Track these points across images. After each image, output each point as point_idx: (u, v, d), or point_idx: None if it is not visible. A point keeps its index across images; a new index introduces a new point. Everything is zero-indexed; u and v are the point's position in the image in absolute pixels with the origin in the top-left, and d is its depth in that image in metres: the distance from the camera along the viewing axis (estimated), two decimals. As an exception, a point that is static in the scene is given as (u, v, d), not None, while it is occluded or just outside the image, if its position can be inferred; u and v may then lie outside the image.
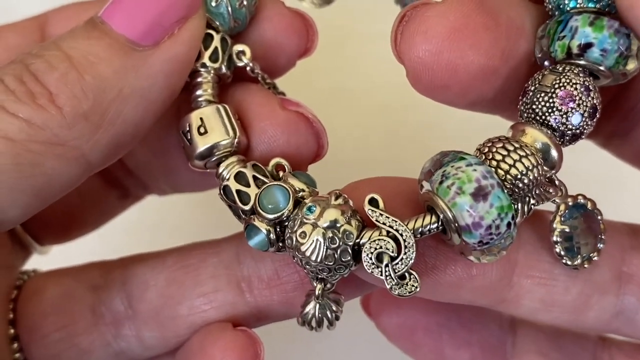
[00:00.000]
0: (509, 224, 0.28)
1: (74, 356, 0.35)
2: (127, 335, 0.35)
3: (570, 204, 0.31)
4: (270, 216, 0.30)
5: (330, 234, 0.29)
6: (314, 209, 0.29)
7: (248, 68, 0.33)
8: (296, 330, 0.33)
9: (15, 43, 0.35)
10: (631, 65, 0.30)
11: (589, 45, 0.29)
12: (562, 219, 0.31)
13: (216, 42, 0.33)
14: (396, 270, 0.28)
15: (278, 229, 0.30)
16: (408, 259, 0.28)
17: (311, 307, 0.31)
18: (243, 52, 0.33)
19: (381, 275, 0.29)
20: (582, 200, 0.31)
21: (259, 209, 0.30)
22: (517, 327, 0.39)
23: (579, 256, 0.31)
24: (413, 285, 0.29)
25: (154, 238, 0.45)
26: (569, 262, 0.31)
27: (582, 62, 0.30)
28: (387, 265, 0.28)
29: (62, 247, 0.41)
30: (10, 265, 0.37)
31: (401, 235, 0.28)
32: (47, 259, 0.40)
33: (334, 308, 0.31)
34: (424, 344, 0.39)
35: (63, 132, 0.28)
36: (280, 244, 0.30)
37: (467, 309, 0.39)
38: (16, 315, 0.35)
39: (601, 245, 0.32)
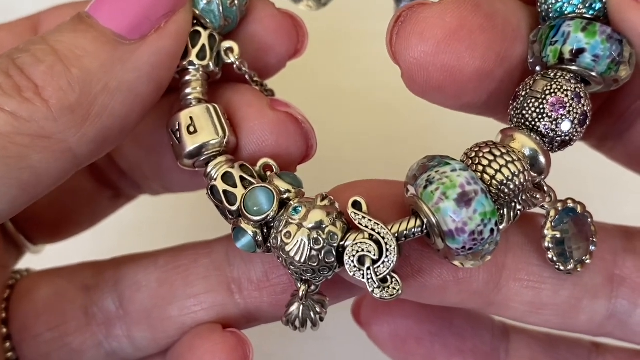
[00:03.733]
0: (492, 230, 0.28)
1: (66, 356, 0.35)
2: (118, 336, 0.35)
3: (560, 208, 0.31)
4: (255, 218, 0.30)
5: (314, 235, 0.29)
6: (300, 209, 0.29)
7: (235, 66, 0.33)
8: (286, 331, 0.33)
9: (9, 43, 0.36)
10: (623, 72, 0.29)
11: (581, 51, 0.29)
12: (553, 224, 0.31)
13: (204, 39, 0.32)
14: (378, 274, 0.29)
15: (265, 230, 0.30)
16: (389, 262, 0.28)
17: (295, 308, 0.31)
18: (231, 49, 0.33)
19: (363, 278, 0.29)
20: (571, 204, 0.31)
21: (244, 211, 0.30)
22: (510, 334, 0.39)
23: (572, 261, 0.31)
24: (394, 289, 0.29)
25: (147, 238, 0.45)
26: (561, 268, 0.31)
27: (574, 68, 0.29)
28: (368, 269, 0.28)
29: (55, 246, 0.41)
30: (2, 264, 0.37)
31: (383, 238, 0.28)
32: (39, 258, 0.40)
33: (318, 309, 0.31)
34: (416, 354, 0.39)
35: (49, 124, 0.28)
36: (269, 245, 0.30)
37: (459, 316, 0.39)
38: (8, 315, 0.35)
39: (593, 248, 0.32)
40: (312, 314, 0.31)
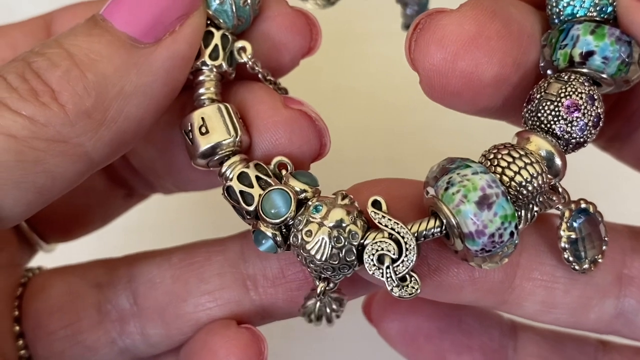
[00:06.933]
0: (511, 233, 0.28)
1: (79, 353, 0.35)
2: (132, 333, 0.35)
3: (573, 209, 0.31)
4: (274, 221, 0.30)
5: (335, 233, 0.29)
6: (321, 208, 0.29)
7: (248, 65, 0.33)
8: (297, 329, 0.33)
9: (22, 42, 0.36)
10: (633, 73, 0.30)
11: (590, 54, 0.30)
12: (568, 225, 0.31)
13: (216, 39, 0.33)
14: (397, 272, 0.29)
15: (284, 230, 0.30)
16: (409, 262, 0.29)
17: (312, 303, 0.32)
18: (244, 49, 0.33)
19: (382, 276, 0.29)
20: (584, 205, 0.32)
21: (262, 214, 0.30)
22: (518, 332, 0.39)
23: (586, 260, 0.32)
24: (413, 287, 0.29)
25: (157, 237, 0.45)
26: (577, 267, 0.32)
27: (584, 70, 0.30)
28: (388, 267, 0.29)
29: (64, 245, 0.41)
30: (15, 262, 0.37)
31: (403, 237, 0.29)
32: (48, 257, 0.40)
33: (335, 307, 0.32)
34: (425, 350, 0.39)
35: (66, 129, 0.28)
36: (288, 243, 0.30)
37: (469, 314, 0.39)
38: (21, 313, 0.35)
39: (605, 247, 0.32)
40: (328, 310, 0.32)
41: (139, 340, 0.35)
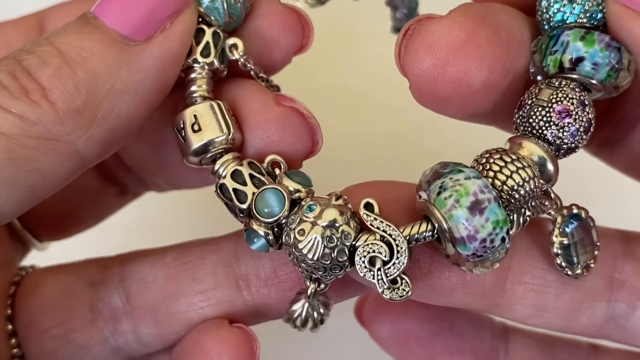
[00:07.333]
0: (503, 238, 0.28)
1: (72, 352, 0.35)
2: (124, 332, 0.35)
3: (565, 215, 0.31)
4: (267, 220, 0.30)
5: (328, 233, 0.29)
6: (314, 207, 0.29)
7: (240, 62, 0.33)
8: (287, 332, 0.33)
9: (15, 40, 0.36)
10: (623, 79, 0.30)
11: (580, 59, 0.30)
12: (560, 230, 0.31)
13: (208, 36, 0.33)
14: (388, 275, 0.29)
15: (276, 230, 0.30)
16: (400, 264, 0.29)
17: (299, 306, 0.31)
18: (235, 46, 0.33)
19: (373, 279, 0.29)
20: (576, 210, 0.32)
21: (255, 213, 0.30)
22: (509, 335, 0.39)
23: (579, 265, 0.32)
24: (404, 290, 0.29)
25: (153, 236, 0.45)
26: (569, 273, 0.32)
27: (574, 76, 0.30)
28: (379, 270, 0.29)
29: (60, 244, 0.41)
30: (8, 261, 0.37)
31: (394, 240, 0.29)
32: (45, 256, 0.40)
33: (322, 311, 0.31)
34: (416, 353, 0.39)
35: (56, 127, 0.28)
36: (280, 242, 0.31)
37: (460, 317, 0.39)
38: (14, 311, 0.35)
39: (597, 252, 0.32)
40: (315, 314, 0.31)
41: (132, 339, 0.35)
